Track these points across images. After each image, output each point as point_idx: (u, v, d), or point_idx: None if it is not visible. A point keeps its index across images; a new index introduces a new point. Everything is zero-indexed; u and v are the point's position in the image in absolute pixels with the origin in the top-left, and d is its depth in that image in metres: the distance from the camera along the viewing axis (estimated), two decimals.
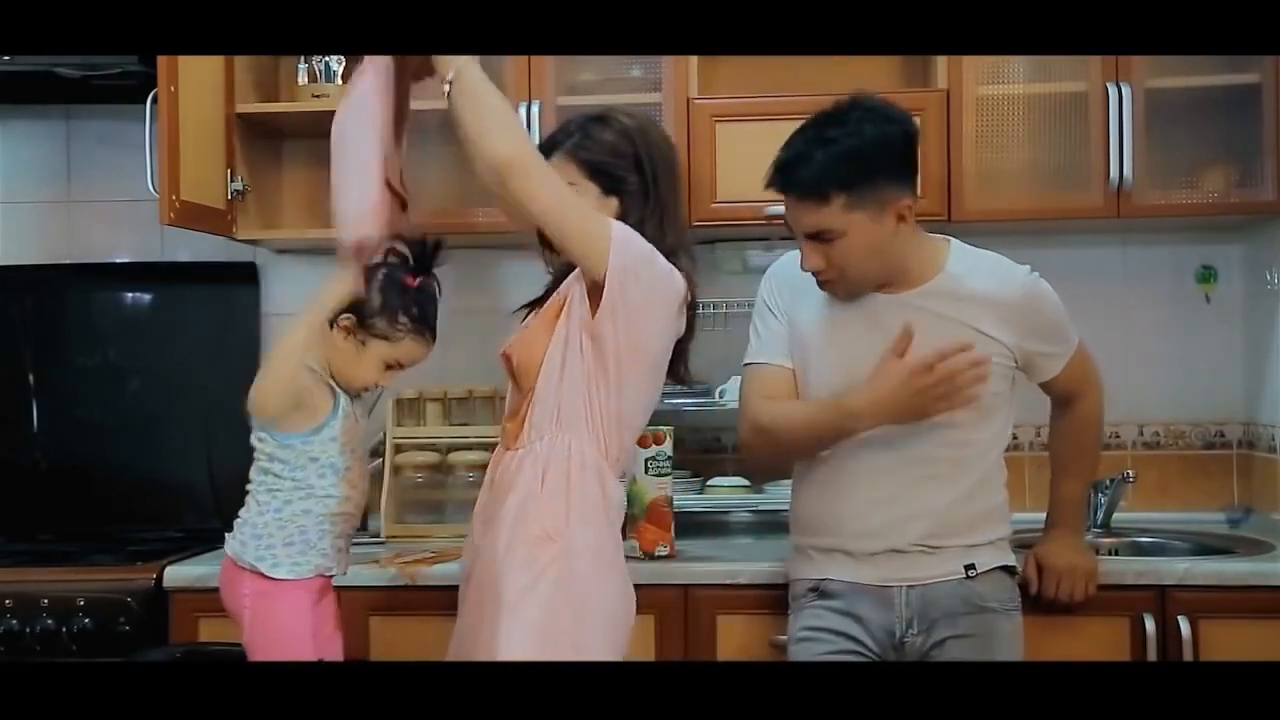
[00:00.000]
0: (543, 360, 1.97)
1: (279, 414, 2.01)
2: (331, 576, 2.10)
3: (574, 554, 1.92)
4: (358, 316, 2.04)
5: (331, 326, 2.04)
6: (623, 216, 2.02)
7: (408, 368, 2.10)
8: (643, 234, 1.99)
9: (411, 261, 2.07)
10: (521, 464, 1.97)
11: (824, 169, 2.04)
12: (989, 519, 2.20)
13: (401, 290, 2.05)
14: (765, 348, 2.27)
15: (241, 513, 2.06)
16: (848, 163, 2.05)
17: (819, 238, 2.08)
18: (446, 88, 1.93)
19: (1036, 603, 2.31)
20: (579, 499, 1.94)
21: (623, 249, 1.93)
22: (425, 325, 2.07)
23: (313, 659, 2.03)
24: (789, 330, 2.25)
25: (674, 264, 2.02)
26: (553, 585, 1.90)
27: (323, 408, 2.04)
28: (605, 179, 2.04)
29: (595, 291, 1.94)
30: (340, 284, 1.98)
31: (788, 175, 2.08)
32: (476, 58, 1.93)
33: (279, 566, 2.02)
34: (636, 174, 2.04)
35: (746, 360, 2.30)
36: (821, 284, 2.15)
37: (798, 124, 2.12)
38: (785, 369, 2.25)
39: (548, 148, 2.08)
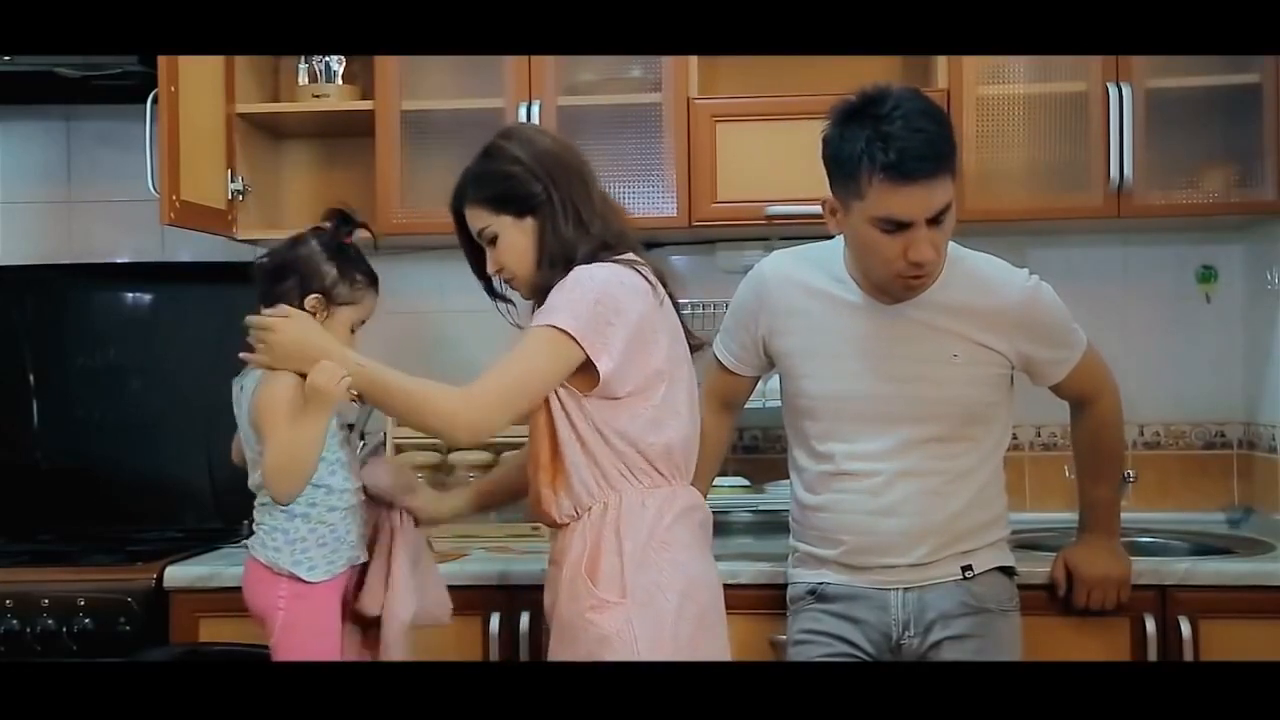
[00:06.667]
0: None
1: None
2: (359, 565, 2.13)
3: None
4: (323, 293, 2.05)
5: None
6: (541, 228, 2.02)
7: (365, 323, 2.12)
8: (565, 238, 2.00)
9: (335, 227, 2.09)
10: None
11: (946, 141, 2.00)
12: (989, 525, 2.20)
13: (346, 253, 2.07)
14: (730, 346, 2.30)
15: (264, 520, 2.06)
16: (950, 135, 2.03)
17: (938, 219, 2.01)
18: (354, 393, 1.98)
19: (1066, 607, 2.31)
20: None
21: (582, 325, 1.93)
22: (373, 276, 2.10)
23: (337, 657, 2.06)
24: (758, 345, 2.25)
25: (613, 258, 2.01)
26: None
27: None
28: (512, 205, 2.03)
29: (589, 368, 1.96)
30: (322, 374, 1.96)
31: (927, 156, 1.97)
32: (351, 358, 1.97)
33: (316, 569, 2.04)
34: (538, 184, 2.02)
35: (716, 343, 2.33)
36: (907, 286, 2.07)
37: (797, 124, 2.11)
38: (742, 378, 2.32)
39: (457, 206, 2.10)
